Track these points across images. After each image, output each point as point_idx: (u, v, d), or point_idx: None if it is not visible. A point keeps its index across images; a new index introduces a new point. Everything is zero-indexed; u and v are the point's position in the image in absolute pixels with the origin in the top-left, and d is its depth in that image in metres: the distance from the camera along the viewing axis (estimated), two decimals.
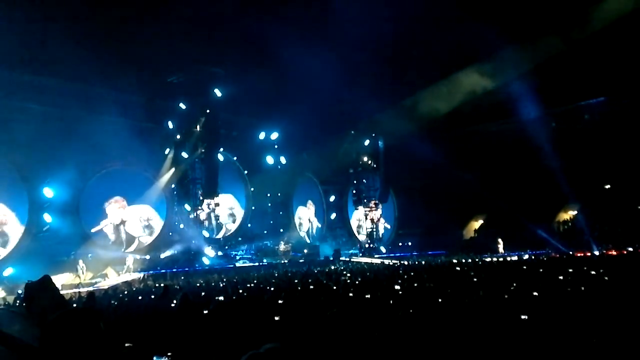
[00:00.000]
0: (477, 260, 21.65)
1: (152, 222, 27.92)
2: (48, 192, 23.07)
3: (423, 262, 22.53)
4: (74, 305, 10.33)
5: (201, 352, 4.98)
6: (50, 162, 22.36)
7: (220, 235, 30.91)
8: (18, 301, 13.60)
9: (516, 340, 4.89)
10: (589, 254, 21.51)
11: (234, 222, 32.27)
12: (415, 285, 10.73)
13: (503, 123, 32.73)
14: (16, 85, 21.64)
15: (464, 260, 21.01)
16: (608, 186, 31.21)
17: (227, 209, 31.81)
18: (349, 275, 16.22)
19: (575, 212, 32.20)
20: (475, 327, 5.50)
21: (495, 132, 32.97)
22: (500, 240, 30.81)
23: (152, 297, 13.09)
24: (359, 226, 38.92)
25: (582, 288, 8.14)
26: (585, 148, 29.83)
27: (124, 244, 26.48)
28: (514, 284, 9.35)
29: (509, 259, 21.79)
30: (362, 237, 37.87)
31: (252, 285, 14.85)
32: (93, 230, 25.42)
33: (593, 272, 11.30)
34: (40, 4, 20.18)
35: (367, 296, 8.65)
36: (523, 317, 5.86)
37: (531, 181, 30.78)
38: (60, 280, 20.94)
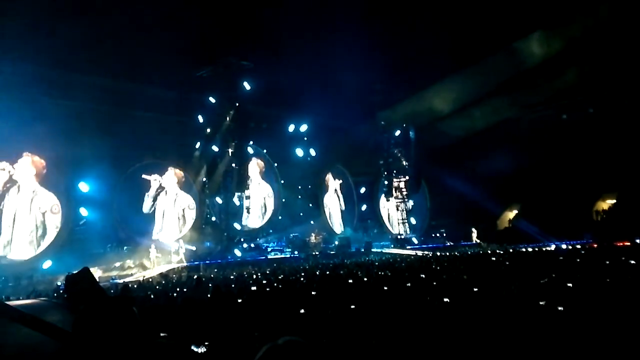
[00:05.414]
0: (511, 250, 21.35)
1: (186, 213, 28.19)
2: (83, 187, 23.62)
3: (456, 253, 22.28)
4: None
5: (236, 341, 5.02)
6: (85, 157, 22.81)
7: (251, 227, 31.20)
8: (58, 292, 13.97)
9: (551, 331, 4.78)
10: (628, 243, 20.91)
11: (265, 214, 32.47)
12: (447, 277, 10.61)
13: (538, 110, 32.03)
14: (50, 82, 22.15)
15: (497, 251, 20.71)
16: None
17: (265, 199, 32.10)
18: (380, 267, 16.15)
19: (614, 201, 31.33)
20: (508, 318, 5.41)
21: (530, 119, 32.29)
22: (474, 229, 32.06)
23: (185, 289, 13.27)
24: (391, 217, 38.63)
25: (626, 278, 7.92)
26: (624, 134, 28.92)
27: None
28: (552, 275, 9.16)
29: (544, 249, 21.37)
30: (393, 229, 37.61)
31: (283, 276, 14.94)
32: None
33: (633, 262, 11.00)
34: (73, 3, 20.60)
35: (398, 288, 8.60)
36: (559, 308, 5.74)
37: (568, 170, 30.03)
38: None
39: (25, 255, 22.05)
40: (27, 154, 22.43)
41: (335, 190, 36.81)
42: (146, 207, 26.39)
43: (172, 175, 27.46)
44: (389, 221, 38.64)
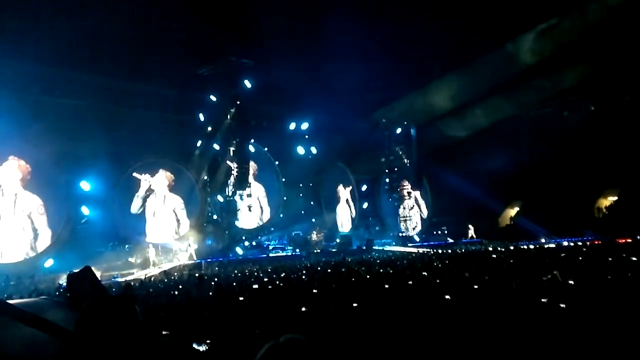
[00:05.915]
0: (512, 247, 21.34)
1: (179, 214, 28.01)
2: (85, 185, 23.62)
3: (458, 250, 22.27)
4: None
5: (237, 339, 5.03)
6: (86, 156, 22.79)
7: (252, 226, 31.20)
8: (59, 291, 13.99)
9: (553, 329, 4.77)
10: (630, 240, 20.88)
11: (262, 214, 32.42)
12: (449, 274, 10.61)
13: (540, 107, 32.00)
14: (52, 80, 22.13)
15: (499, 248, 20.71)
16: None
17: (259, 199, 32.04)
18: (382, 264, 16.15)
19: (616, 198, 31.27)
20: (510, 316, 5.40)
21: (532, 116, 32.25)
22: (470, 226, 32.43)
23: (187, 287, 13.26)
24: (393, 215, 38.52)
25: (628, 274, 7.92)
26: (625, 131, 28.86)
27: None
28: (553, 272, 9.14)
29: (546, 246, 21.36)
30: (395, 226, 37.55)
31: (285, 274, 14.95)
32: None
33: (634, 259, 10.99)
34: (73, 2, 20.58)
35: (400, 286, 8.60)
36: (562, 305, 5.73)
37: (569, 166, 29.98)
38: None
39: (18, 257, 21.86)
40: (13, 157, 22.04)
41: (347, 200, 36.80)
42: (135, 208, 26.25)
43: (162, 178, 27.19)
44: (396, 219, 38.45)
